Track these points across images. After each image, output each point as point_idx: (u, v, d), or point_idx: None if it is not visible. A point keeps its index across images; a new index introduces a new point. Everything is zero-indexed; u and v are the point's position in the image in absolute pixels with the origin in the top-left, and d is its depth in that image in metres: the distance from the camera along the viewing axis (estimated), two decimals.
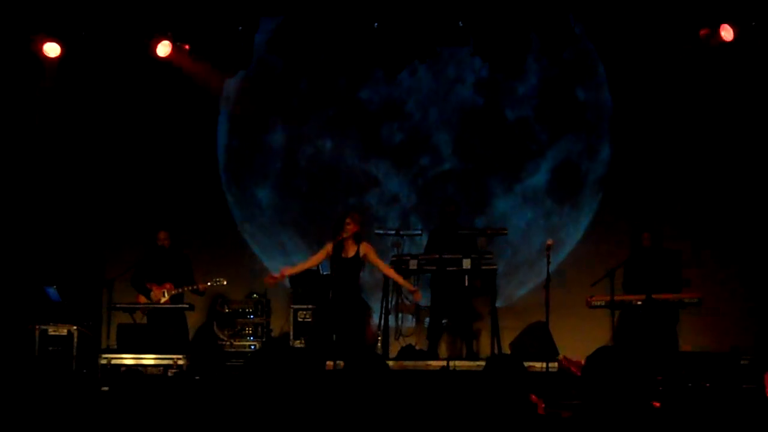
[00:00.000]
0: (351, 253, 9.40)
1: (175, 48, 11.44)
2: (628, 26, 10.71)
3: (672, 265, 10.83)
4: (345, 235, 9.35)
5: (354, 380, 5.07)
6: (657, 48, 11.16)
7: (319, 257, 9.71)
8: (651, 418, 4.68)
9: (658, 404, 5.16)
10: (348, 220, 9.38)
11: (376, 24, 11.05)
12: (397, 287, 11.14)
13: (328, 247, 9.48)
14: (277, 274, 9.95)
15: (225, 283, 11.13)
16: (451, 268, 10.92)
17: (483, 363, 6.04)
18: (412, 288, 10.01)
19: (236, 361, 11.13)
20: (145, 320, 11.00)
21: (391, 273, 10.06)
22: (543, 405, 6.40)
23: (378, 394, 5.25)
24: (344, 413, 5.06)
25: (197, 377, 10.05)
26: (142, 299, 10.99)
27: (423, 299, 10.47)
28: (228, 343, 11.59)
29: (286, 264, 12.36)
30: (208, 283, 11.00)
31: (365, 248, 9.45)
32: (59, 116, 12.12)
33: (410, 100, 12.84)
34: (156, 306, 10.92)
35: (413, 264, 10.97)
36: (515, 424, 4.85)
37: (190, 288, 10.98)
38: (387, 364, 5.39)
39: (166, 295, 10.94)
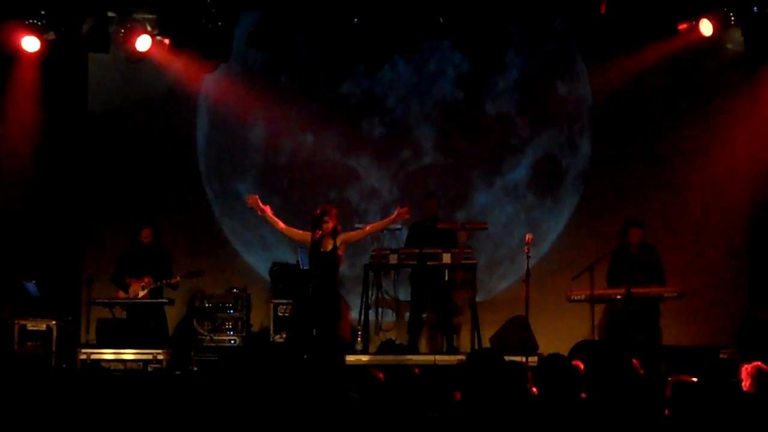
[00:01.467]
0: (329, 246, 9.39)
1: (155, 42, 11.39)
2: (608, 20, 10.71)
3: (656, 259, 10.87)
4: (323, 232, 9.35)
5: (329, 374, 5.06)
6: (637, 41, 11.18)
7: (295, 233, 9.71)
8: (638, 410, 4.70)
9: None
10: (326, 218, 9.37)
11: (356, 19, 11.03)
12: (378, 282, 11.13)
13: (308, 236, 9.47)
14: (261, 204, 9.67)
15: (194, 273, 11.08)
16: (431, 263, 10.92)
17: (463, 357, 6.04)
18: (395, 216, 9.77)
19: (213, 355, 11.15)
20: (124, 315, 10.97)
21: (373, 225, 9.98)
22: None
23: (360, 389, 5.25)
24: (324, 408, 5.05)
25: (177, 372, 10.02)
26: (122, 294, 10.96)
27: (402, 294, 10.35)
28: (207, 337, 11.56)
29: (267, 259, 12.38)
30: (179, 277, 10.99)
31: (341, 238, 9.46)
32: (39, 111, 12.04)
33: (391, 94, 12.81)
34: (135, 301, 10.89)
35: (393, 258, 10.97)
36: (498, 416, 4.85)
37: (165, 281, 10.95)
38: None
39: (144, 289, 10.91)
